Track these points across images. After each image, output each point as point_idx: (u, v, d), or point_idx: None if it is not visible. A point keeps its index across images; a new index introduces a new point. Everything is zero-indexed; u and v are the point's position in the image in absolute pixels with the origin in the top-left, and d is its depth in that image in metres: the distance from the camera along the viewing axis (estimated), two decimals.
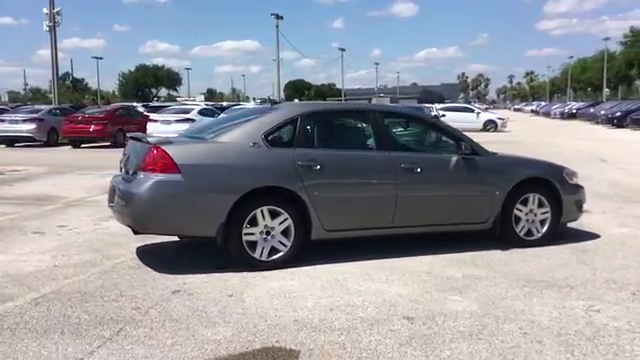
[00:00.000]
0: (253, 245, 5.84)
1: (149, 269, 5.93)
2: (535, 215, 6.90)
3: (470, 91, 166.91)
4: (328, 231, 6.09)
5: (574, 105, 61.71)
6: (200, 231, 5.82)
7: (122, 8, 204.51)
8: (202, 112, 24.20)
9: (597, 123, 42.53)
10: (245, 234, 5.79)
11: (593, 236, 7.40)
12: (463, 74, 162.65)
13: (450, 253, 6.46)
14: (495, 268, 5.97)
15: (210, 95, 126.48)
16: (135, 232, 5.92)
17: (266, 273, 5.76)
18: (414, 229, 6.53)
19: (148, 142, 5.86)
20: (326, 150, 6.24)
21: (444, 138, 6.81)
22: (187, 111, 24.03)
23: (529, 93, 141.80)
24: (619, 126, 36.62)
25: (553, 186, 6.96)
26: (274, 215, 5.88)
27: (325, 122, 6.61)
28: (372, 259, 6.20)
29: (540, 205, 6.91)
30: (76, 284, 5.45)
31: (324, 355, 3.88)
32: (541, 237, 6.91)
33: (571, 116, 54.82)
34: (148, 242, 7.03)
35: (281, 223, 5.90)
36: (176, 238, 6.87)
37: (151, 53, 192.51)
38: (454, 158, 6.57)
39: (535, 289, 5.28)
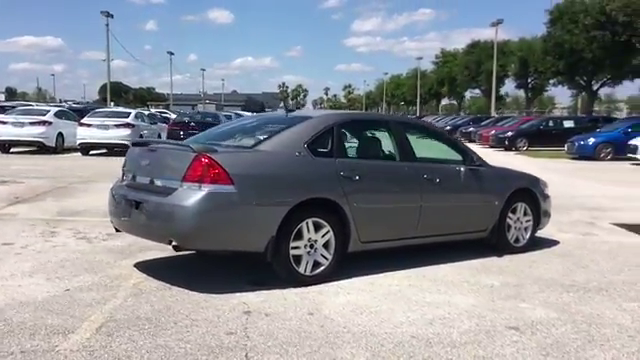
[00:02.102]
0: (298, 259, 5.56)
1: (182, 289, 5.38)
2: (521, 223, 7.33)
3: (290, 101, 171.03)
4: (363, 243, 5.98)
5: None
6: (249, 246, 5.40)
7: None
8: (59, 114, 22.25)
9: None
10: (292, 248, 5.50)
11: (551, 242, 7.92)
12: (284, 84, 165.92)
13: (456, 261, 6.61)
14: (518, 275, 6.23)
15: (10, 95, 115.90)
16: (177, 249, 5.35)
17: (313, 288, 5.50)
18: (430, 239, 6.62)
19: (191, 149, 5.32)
20: (361, 160, 6.15)
21: (451, 149, 6.99)
22: (42, 113, 21.92)
23: (346, 105, 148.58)
24: None
25: (535, 196, 7.45)
26: (317, 228, 5.64)
27: (356, 132, 6.50)
28: (397, 270, 6.16)
29: (525, 214, 7.35)
30: (124, 310, 4.80)
31: None
32: (525, 244, 7.35)
33: None
34: (139, 259, 6.46)
35: (323, 236, 5.68)
36: (166, 253, 6.41)
37: None
38: (464, 169, 6.78)
39: (578, 293, 5.59)
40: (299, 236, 5.53)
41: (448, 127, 40.71)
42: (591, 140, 24.09)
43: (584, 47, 41.42)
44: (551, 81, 53.43)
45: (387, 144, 6.50)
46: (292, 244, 5.48)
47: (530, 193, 7.42)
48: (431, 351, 4.10)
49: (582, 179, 16.52)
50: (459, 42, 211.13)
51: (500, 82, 66.08)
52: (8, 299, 5.02)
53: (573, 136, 26.15)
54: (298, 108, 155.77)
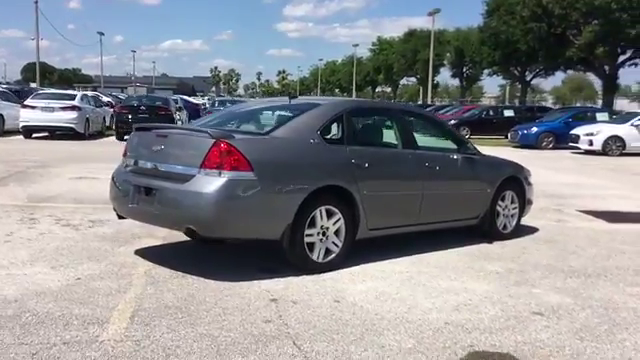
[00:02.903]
0: (311, 247, 5.54)
1: (196, 277, 5.26)
2: (509, 210, 7.51)
3: (222, 85, 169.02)
4: (370, 230, 6.00)
5: None
6: (267, 234, 5.34)
7: None
8: None
9: None
10: (306, 235, 5.46)
11: (532, 229, 8.14)
12: (216, 68, 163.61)
13: (451, 248, 6.71)
14: (516, 261, 6.38)
15: None
16: (193, 237, 5.21)
17: (327, 276, 5.49)
18: (429, 226, 6.70)
19: (209, 135, 5.17)
20: (370, 148, 6.14)
21: (447, 137, 7.09)
22: None
23: (280, 91, 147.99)
24: None
25: (521, 184, 7.66)
26: (329, 215, 5.63)
27: (363, 119, 6.49)
28: (399, 257, 6.22)
29: (512, 201, 7.55)
30: (149, 299, 4.67)
31: (540, 357, 3.92)
32: (511, 231, 7.55)
33: None
34: (137, 247, 6.30)
35: (335, 223, 5.67)
36: (160, 241, 6.39)
37: None
38: (461, 157, 6.89)
39: (580, 279, 5.77)
40: (312, 224, 5.50)
41: None
42: (534, 129, 24.91)
43: (520, 38, 42.73)
44: (486, 71, 54.95)
45: (391, 132, 6.53)
46: (306, 231, 5.45)
47: (517, 181, 7.61)
48: (472, 337, 4.17)
49: (532, 167, 16.98)
50: (390, 30, 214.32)
51: (435, 71, 67.35)
52: (21, 289, 4.79)
53: (513, 125, 27.00)
54: (229, 93, 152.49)
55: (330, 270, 5.61)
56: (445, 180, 6.71)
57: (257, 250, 5.99)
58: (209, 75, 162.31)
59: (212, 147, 5.08)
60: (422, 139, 6.78)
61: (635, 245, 7.38)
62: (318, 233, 5.55)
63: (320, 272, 5.54)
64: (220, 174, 5.03)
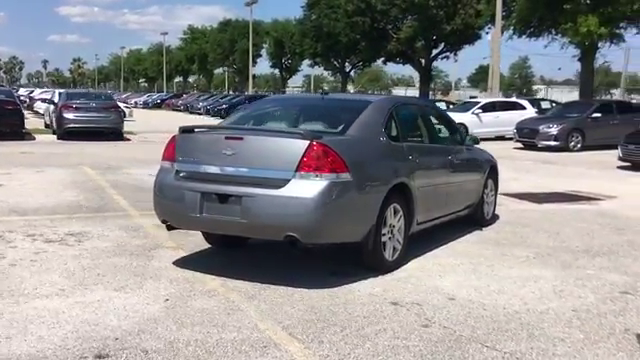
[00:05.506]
0: (384, 246, 5.43)
1: (284, 287, 4.92)
2: (489, 198, 7.93)
3: (3, 74, 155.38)
4: (418, 224, 6.02)
5: (157, 95, 63.99)
6: (354, 236, 5.13)
7: None
8: None
9: (191, 113, 45.30)
10: (382, 234, 5.35)
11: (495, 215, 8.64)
12: None
13: (458, 237, 6.91)
14: (529, 245, 6.72)
15: None
16: (293, 244, 4.82)
17: (400, 274, 5.44)
18: (449, 217, 6.83)
19: (301, 135, 4.83)
20: (416, 143, 6.14)
21: (449, 131, 7.29)
22: None
23: (75, 80, 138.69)
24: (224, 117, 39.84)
25: (497, 172, 8.12)
26: (395, 213, 5.56)
27: (404, 115, 6.40)
28: (430, 250, 6.28)
29: (491, 189, 7.97)
30: (279, 315, 4.34)
31: None
32: (491, 217, 7.98)
33: (156, 106, 56.88)
34: (171, 258, 5.75)
35: (398, 220, 5.61)
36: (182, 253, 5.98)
37: None
38: (465, 149, 7.15)
39: (602, 257, 6.22)
40: (384, 222, 5.39)
41: (225, 106, 40.59)
42: None
43: (341, 31, 44.52)
44: (306, 62, 56.50)
45: (420, 127, 6.58)
46: (382, 230, 5.34)
47: (494, 169, 8.04)
48: (614, 321, 4.39)
49: None
50: (185, 18, 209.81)
51: (253, 61, 67.86)
52: (122, 317, 4.20)
53: None
54: (12, 83, 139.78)
55: (397, 268, 5.55)
56: (460, 171, 6.92)
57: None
58: None
59: (307, 149, 4.76)
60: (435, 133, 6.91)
61: (592, 223, 8.07)
62: (388, 232, 5.46)
63: (390, 271, 5.46)
64: (318, 177, 4.75)
